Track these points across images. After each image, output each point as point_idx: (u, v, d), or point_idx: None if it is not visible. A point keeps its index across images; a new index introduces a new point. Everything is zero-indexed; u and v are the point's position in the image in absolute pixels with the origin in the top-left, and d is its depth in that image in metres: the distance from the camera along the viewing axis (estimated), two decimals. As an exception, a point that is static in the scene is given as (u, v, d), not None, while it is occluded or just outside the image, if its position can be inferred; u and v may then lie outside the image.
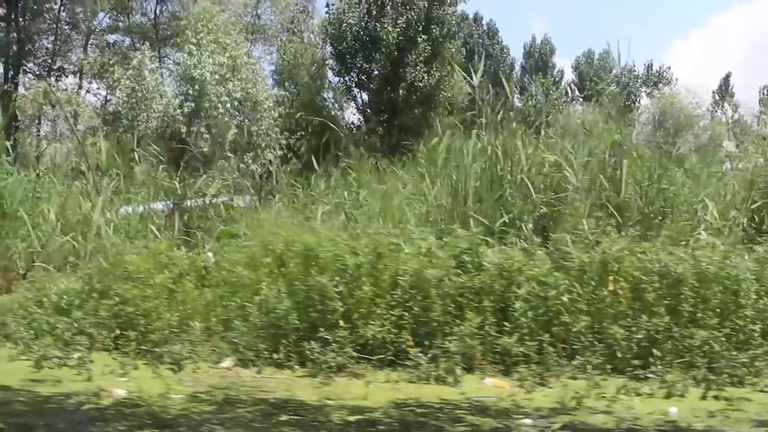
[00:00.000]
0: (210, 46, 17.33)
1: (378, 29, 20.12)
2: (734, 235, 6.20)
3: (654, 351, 4.39)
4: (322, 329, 4.55)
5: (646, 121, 22.75)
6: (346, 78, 21.93)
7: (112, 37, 23.89)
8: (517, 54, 34.78)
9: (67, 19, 21.90)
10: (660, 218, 6.60)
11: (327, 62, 22.17)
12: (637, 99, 27.73)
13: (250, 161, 15.04)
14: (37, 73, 20.82)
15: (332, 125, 15.74)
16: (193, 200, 9.27)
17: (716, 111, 29.38)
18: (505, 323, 4.64)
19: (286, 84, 21.22)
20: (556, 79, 31.64)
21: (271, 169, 13.82)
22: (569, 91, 30.33)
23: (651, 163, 7.03)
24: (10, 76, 19.77)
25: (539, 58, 32.60)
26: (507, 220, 6.20)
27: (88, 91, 22.06)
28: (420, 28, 20.41)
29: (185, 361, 4.51)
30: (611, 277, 4.83)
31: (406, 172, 9.78)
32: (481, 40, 31.15)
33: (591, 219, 5.86)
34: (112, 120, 18.60)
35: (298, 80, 21.93)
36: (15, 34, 19.92)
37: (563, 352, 4.53)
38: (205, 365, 4.54)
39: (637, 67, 31.44)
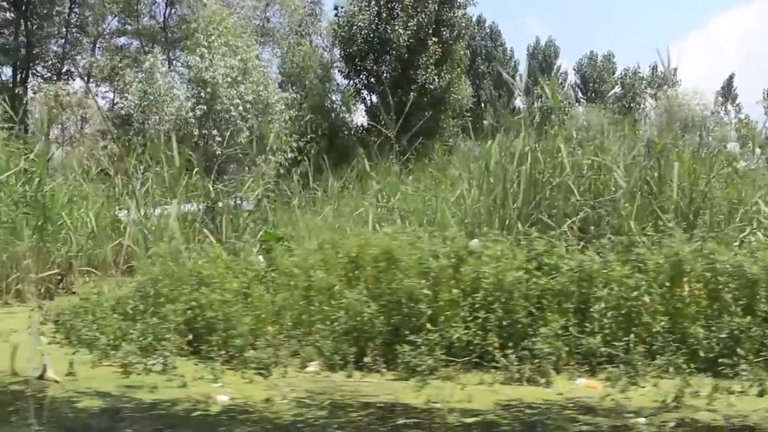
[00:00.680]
0: (221, 49, 17.33)
1: (389, 32, 20.17)
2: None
3: (738, 350, 4.46)
4: (407, 332, 4.58)
5: (653, 123, 22.89)
6: (355, 80, 21.98)
7: (120, 41, 23.82)
8: (519, 56, 34.99)
9: (76, 22, 21.79)
10: (704, 218, 6.68)
11: (335, 65, 22.19)
12: (643, 100, 27.95)
13: (262, 164, 15.05)
14: (46, 76, 20.69)
15: (343, 129, 15.73)
16: (225, 202, 9.25)
17: (719, 112, 29.65)
18: (586, 324, 4.71)
19: (293, 87, 21.20)
20: (560, 80, 31.82)
21: (281, 171, 13.89)
22: (573, 93, 30.49)
23: (694, 164, 7.12)
24: (19, 79, 19.65)
25: (543, 60, 32.75)
26: (551, 223, 6.27)
27: (96, 95, 21.96)
28: (430, 31, 20.49)
29: (272, 366, 4.52)
30: (685, 278, 4.90)
31: (423, 175, 9.89)
32: (484, 42, 31.25)
33: (636, 222, 5.93)
34: (121, 123, 18.58)
35: (306, 83, 21.96)
36: (24, 38, 19.80)
37: (645, 352, 4.59)
38: (291, 370, 4.54)
39: (641, 69, 31.75)
